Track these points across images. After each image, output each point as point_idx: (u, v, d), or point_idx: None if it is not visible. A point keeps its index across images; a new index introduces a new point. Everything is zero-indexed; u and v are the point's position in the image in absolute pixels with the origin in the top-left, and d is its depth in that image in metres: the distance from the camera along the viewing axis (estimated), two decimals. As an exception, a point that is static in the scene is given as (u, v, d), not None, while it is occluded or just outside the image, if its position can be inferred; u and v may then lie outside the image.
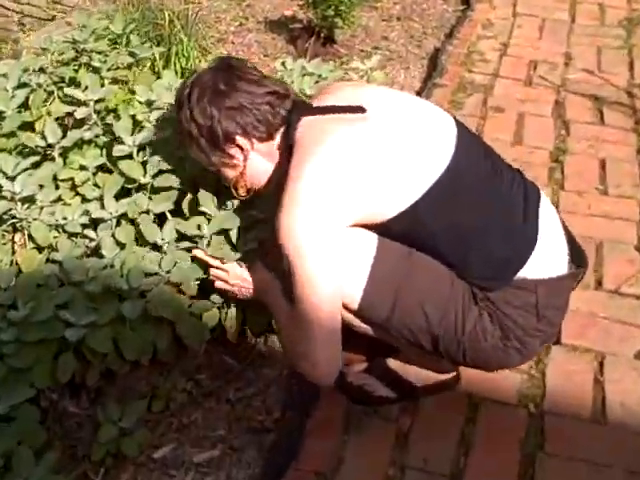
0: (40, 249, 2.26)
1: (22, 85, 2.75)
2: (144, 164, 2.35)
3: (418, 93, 3.57)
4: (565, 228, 1.85)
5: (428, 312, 1.70)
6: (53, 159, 2.47)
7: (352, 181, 1.64)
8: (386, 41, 4.08)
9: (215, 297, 2.18)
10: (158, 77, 3.16)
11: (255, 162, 1.88)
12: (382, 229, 1.71)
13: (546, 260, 1.71)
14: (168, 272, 2.13)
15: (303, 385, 2.15)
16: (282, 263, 1.70)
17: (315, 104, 1.83)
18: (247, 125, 1.80)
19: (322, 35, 3.93)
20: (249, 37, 4.27)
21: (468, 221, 1.69)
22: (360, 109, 1.71)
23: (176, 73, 3.49)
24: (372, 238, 1.72)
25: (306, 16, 4.17)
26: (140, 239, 2.24)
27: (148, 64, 3.28)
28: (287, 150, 1.77)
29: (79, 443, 2.09)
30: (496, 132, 3.19)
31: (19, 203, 2.24)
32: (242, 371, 2.31)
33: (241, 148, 1.84)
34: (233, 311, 2.21)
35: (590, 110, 3.34)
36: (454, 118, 1.83)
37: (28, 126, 2.67)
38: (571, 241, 1.84)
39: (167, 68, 3.47)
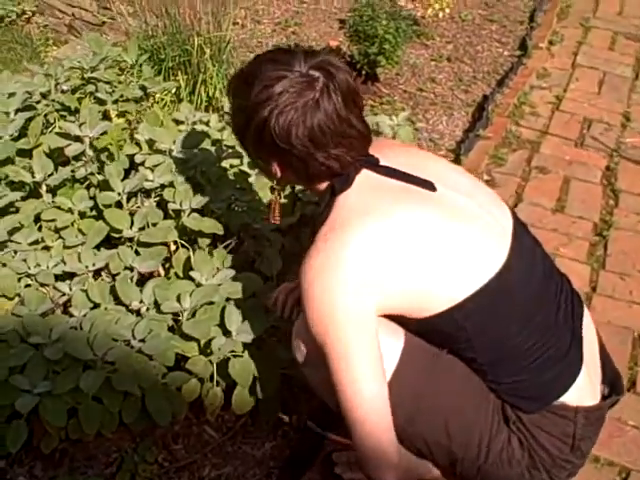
0: (8, 298, 2.07)
1: (25, 108, 2.60)
2: (133, 214, 2.15)
3: (459, 143, 3.30)
4: (602, 347, 1.66)
5: (451, 432, 1.54)
6: (40, 196, 2.29)
7: (403, 267, 1.42)
8: (432, 83, 3.82)
9: (195, 370, 1.95)
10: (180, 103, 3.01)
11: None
12: (416, 325, 1.51)
13: (587, 386, 1.56)
14: (142, 341, 1.91)
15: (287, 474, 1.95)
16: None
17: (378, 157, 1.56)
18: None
19: (364, 72, 3.69)
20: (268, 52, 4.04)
21: (512, 337, 1.49)
22: (430, 186, 1.48)
23: (201, 103, 3.33)
24: (400, 333, 1.53)
25: (350, 49, 3.94)
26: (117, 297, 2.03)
27: (170, 93, 3.11)
28: (335, 189, 1.51)
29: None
30: (537, 196, 2.90)
31: (-12, 248, 2.06)
32: (222, 445, 2.09)
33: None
34: (217, 390, 1.99)
35: (644, 180, 3.03)
36: (513, 213, 1.59)
37: (26, 153, 2.51)
38: (608, 362, 1.66)
39: (192, 97, 3.31)
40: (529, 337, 1.49)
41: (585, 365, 1.55)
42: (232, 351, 1.95)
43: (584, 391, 1.54)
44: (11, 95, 2.70)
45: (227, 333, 1.95)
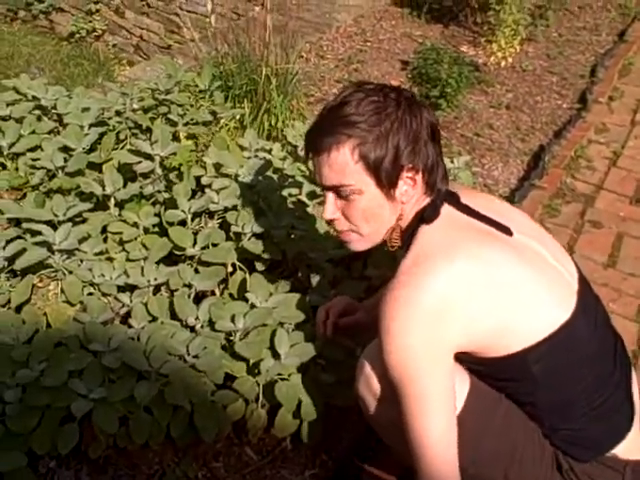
0: (72, 304, 2.14)
1: (98, 124, 2.71)
2: (196, 233, 2.22)
3: (513, 191, 3.33)
4: None
5: (510, 477, 1.55)
6: (108, 208, 2.37)
7: (484, 306, 1.43)
8: (490, 129, 3.86)
9: (242, 390, 2.00)
10: (244, 131, 3.10)
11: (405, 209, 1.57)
12: (483, 366, 1.52)
13: (635, 441, 1.57)
14: (195, 357, 1.97)
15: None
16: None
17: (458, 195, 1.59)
18: (428, 163, 1.52)
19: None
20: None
21: (573, 385, 1.51)
22: (507, 230, 1.51)
23: (263, 131, 3.41)
24: (466, 375, 1.55)
25: (410, 90, 4.00)
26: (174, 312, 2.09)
27: (234, 119, 3.20)
28: (417, 224, 1.53)
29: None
30: (590, 250, 2.90)
31: (57, 254, 2.14)
32: (260, 468, 2.11)
33: (413, 181, 1.52)
34: (261, 411, 2.02)
35: (698, 244, 3.01)
36: (578, 268, 1.61)
37: (96, 166, 2.61)
38: None
39: (254, 125, 3.39)
40: (589, 387, 1.51)
41: (636, 421, 1.57)
42: (279, 374, 1.99)
43: (634, 445, 1.56)
44: (85, 110, 2.82)
45: (276, 356, 2.00)
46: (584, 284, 1.58)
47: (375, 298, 2.03)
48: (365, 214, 1.52)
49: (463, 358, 1.50)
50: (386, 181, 1.47)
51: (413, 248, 1.46)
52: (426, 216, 1.49)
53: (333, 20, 5.12)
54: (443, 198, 1.52)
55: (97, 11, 6.86)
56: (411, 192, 1.51)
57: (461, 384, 1.53)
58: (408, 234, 1.53)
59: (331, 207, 1.55)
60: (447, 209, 1.51)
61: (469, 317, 1.41)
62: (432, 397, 1.42)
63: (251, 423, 2.03)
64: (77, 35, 6.77)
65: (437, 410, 1.42)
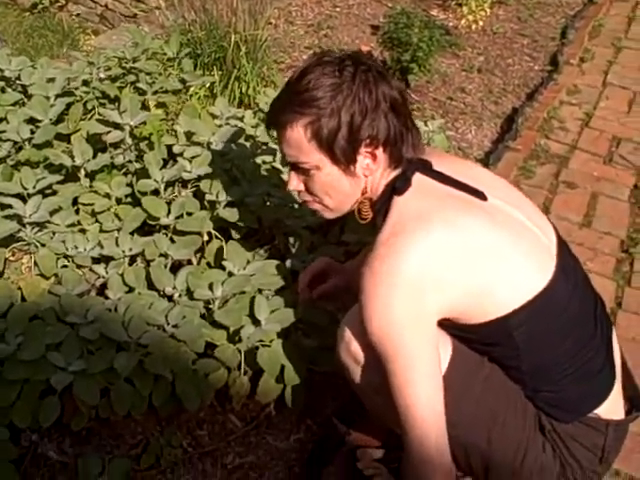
0: (46, 277, 2.11)
1: (65, 94, 2.65)
2: (170, 203, 2.18)
3: (487, 154, 3.33)
4: (624, 364, 1.68)
5: (492, 437, 1.55)
6: (78, 180, 2.33)
7: (463, 273, 1.44)
8: (462, 93, 3.84)
9: (223, 357, 1.98)
10: (214, 99, 3.05)
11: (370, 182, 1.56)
12: (465, 331, 1.53)
13: (617, 401, 1.60)
14: (175, 326, 1.94)
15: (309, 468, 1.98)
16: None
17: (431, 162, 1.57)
18: (390, 135, 1.49)
19: (396, 78, 3.71)
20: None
21: (555, 348, 1.52)
22: (482, 195, 1.50)
23: (234, 99, 3.37)
24: (448, 340, 1.55)
25: (382, 55, 3.97)
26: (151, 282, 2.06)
27: (204, 87, 3.15)
28: (389, 195, 1.52)
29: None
30: (565, 210, 2.92)
31: (28, 227, 2.09)
32: (245, 434, 2.11)
33: (373, 155, 1.51)
34: (244, 378, 2.01)
35: (672, 201, 3.04)
36: (556, 229, 1.61)
37: (64, 137, 2.56)
38: (629, 379, 1.67)
39: (225, 93, 3.34)
40: (570, 350, 1.52)
41: (616, 382, 1.58)
42: (260, 340, 1.98)
43: (614, 406, 1.57)
44: (50, 80, 2.75)
45: (256, 322, 1.98)
46: (563, 248, 1.57)
47: (355, 261, 2.03)
48: (325, 188, 1.53)
49: (445, 324, 1.50)
50: (342, 158, 1.47)
51: (389, 219, 1.46)
52: (397, 187, 1.49)
53: (301, -15, 5.03)
54: (415, 167, 1.50)
55: (59, -19, 6.69)
56: (373, 166, 1.50)
57: (443, 348, 1.52)
58: (382, 205, 1.52)
59: (294, 180, 1.57)
60: (420, 178, 1.50)
61: (449, 285, 1.42)
62: (417, 364, 1.42)
63: (234, 390, 2.02)
64: (40, 5, 6.58)
65: (423, 376, 1.43)
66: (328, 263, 2.01)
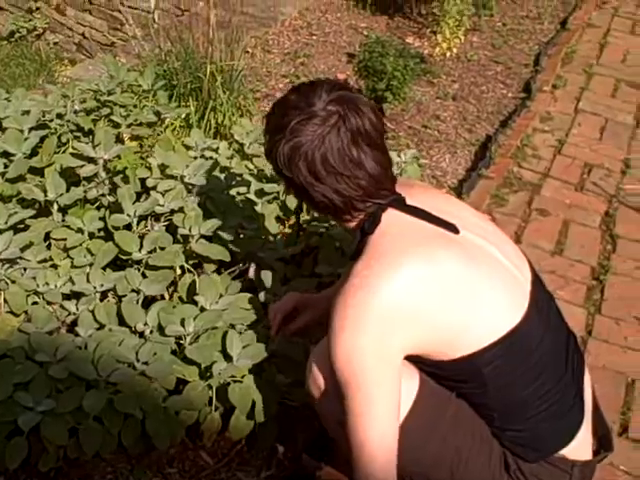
0: (16, 314, 2.10)
1: (39, 127, 2.65)
2: (143, 237, 2.19)
3: (461, 182, 3.35)
4: (595, 401, 1.69)
5: (456, 476, 1.57)
6: (51, 214, 2.33)
7: (434, 310, 1.44)
8: (437, 120, 3.88)
9: (194, 395, 1.97)
10: (190, 130, 3.07)
11: None
12: (433, 367, 1.53)
13: (584, 442, 1.60)
14: (145, 363, 1.94)
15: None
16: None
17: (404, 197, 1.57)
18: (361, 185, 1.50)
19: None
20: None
21: (524, 388, 1.52)
22: (453, 228, 1.51)
23: (210, 129, 3.38)
24: (415, 374, 1.56)
25: (357, 83, 4.01)
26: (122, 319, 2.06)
27: (180, 118, 3.16)
28: (363, 231, 1.53)
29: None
30: (537, 238, 2.94)
31: (-1, 263, 2.09)
32: (216, 471, 2.09)
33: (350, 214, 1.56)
34: (215, 415, 2.01)
35: (642, 227, 3.07)
36: (531, 265, 1.62)
37: (38, 171, 2.56)
38: (599, 416, 1.68)
39: (201, 123, 3.36)
40: (540, 389, 1.52)
41: (585, 421, 1.59)
42: (232, 376, 1.98)
43: (582, 446, 1.58)
44: (25, 113, 2.75)
45: (228, 358, 1.98)
46: (537, 284, 1.58)
47: (326, 292, 2.04)
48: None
49: (413, 359, 1.51)
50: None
51: (364, 255, 1.47)
52: (367, 229, 1.50)
53: (278, 14, 5.08)
54: (388, 203, 1.51)
55: (37, 9, 6.70)
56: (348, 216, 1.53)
57: (411, 383, 1.53)
58: (356, 240, 1.53)
59: None
60: (393, 213, 1.51)
61: (420, 322, 1.43)
62: (377, 401, 1.42)
63: (205, 427, 2.01)
64: (17, 34, 6.60)
65: (381, 413, 1.43)
66: (297, 299, 2.01)
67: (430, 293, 1.43)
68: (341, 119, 1.42)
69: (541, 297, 1.57)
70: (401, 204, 1.52)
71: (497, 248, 1.55)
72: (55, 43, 6.61)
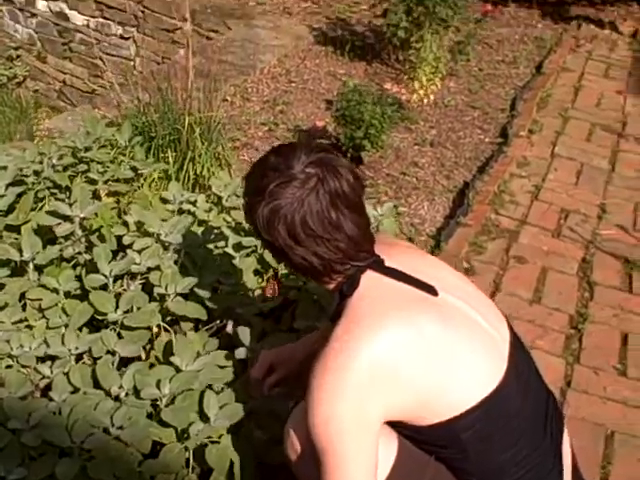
0: (-11, 379, 2.07)
1: (16, 183, 2.65)
2: (119, 296, 2.18)
3: (439, 230, 3.37)
4: (574, 459, 1.69)
5: None
6: (26, 273, 2.31)
7: (412, 375, 1.44)
8: (415, 167, 3.91)
9: (171, 457, 1.95)
10: (168, 182, 3.08)
11: None
12: (411, 431, 1.52)
13: None
14: (120, 428, 1.91)
15: None
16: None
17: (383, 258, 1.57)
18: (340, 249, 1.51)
19: (349, 155, 3.77)
20: (275, 145, 4.12)
21: (503, 452, 1.51)
22: (432, 290, 1.50)
23: (188, 180, 3.39)
24: (394, 439, 1.54)
25: (335, 131, 4.04)
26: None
27: (158, 170, 3.17)
28: (342, 293, 1.53)
29: None
30: (515, 286, 2.95)
31: (-28, 327, 2.07)
32: (193, 536, 2.06)
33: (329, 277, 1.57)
34: (192, 477, 1.98)
35: (619, 273, 3.08)
36: (510, 327, 1.62)
37: (14, 228, 2.55)
38: (579, 477, 1.70)
39: (180, 174, 3.37)
40: (518, 454, 1.51)
41: None
42: (209, 437, 1.95)
43: None
44: (2, 168, 2.75)
45: (205, 419, 1.96)
46: (516, 346, 1.58)
47: (301, 342, 2.05)
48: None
49: (392, 423, 1.50)
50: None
51: (343, 317, 1.47)
52: (345, 291, 1.50)
53: (257, 61, 5.13)
54: (366, 266, 1.51)
55: (18, 57, 6.76)
56: (327, 278, 1.54)
57: (389, 446, 1.52)
58: (334, 303, 1.54)
59: None
60: (372, 275, 1.51)
61: (398, 385, 1.42)
62: (354, 468, 1.41)
63: None
64: (-3, 82, 6.65)
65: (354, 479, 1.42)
66: (272, 357, 2.00)
67: (410, 357, 1.43)
68: (320, 182, 1.43)
69: (520, 359, 1.57)
70: (380, 266, 1.53)
71: (476, 310, 1.55)
72: (35, 90, 6.66)
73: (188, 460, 1.97)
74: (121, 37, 6.26)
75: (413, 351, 1.43)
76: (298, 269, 1.53)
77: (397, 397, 1.43)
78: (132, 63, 6.22)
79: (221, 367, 2.14)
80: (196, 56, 4.60)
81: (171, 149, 3.45)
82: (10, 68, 6.66)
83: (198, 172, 3.45)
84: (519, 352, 1.59)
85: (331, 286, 1.55)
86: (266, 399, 2.04)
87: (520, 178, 3.71)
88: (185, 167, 3.41)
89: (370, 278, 1.50)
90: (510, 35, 5.58)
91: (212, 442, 1.96)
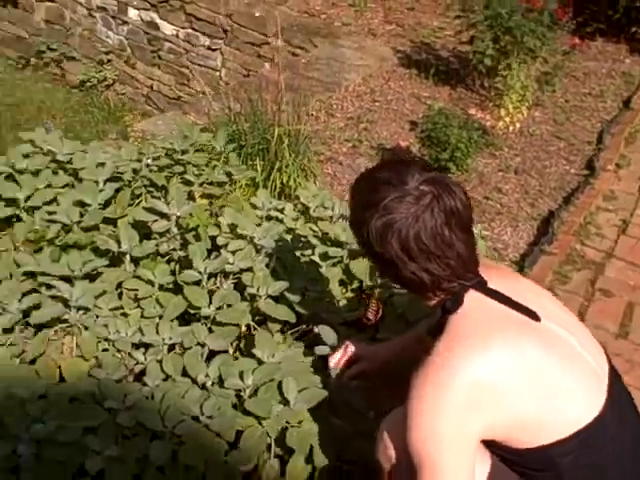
0: (86, 359, 2.14)
1: (113, 179, 2.73)
2: (212, 293, 2.23)
3: (523, 256, 3.35)
4: None
5: None
6: (123, 264, 2.38)
7: (514, 398, 1.43)
8: (499, 193, 3.90)
9: (253, 442, 1.98)
10: (256, 189, 3.13)
11: None
12: (507, 452, 1.51)
13: None
14: (209, 417, 1.96)
15: None
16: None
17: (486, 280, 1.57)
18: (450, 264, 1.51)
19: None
20: (358, 161, 4.18)
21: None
22: (535, 315, 1.50)
23: (275, 189, 3.45)
24: (487, 457, 1.55)
25: (420, 152, 4.06)
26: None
27: (246, 177, 3.23)
28: (445, 310, 1.54)
29: None
30: (601, 319, 2.91)
31: (73, 309, 2.14)
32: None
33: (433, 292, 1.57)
34: (273, 461, 2.00)
35: None
36: (608, 357, 1.60)
37: (111, 221, 2.63)
38: None
39: (267, 184, 3.43)
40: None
41: None
42: (288, 422, 1.99)
43: None
44: (100, 165, 2.85)
45: (285, 402, 2.01)
46: (614, 376, 1.56)
47: (382, 345, 2.08)
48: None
49: (487, 443, 1.49)
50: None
51: (445, 334, 1.48)
52: (449, 307, 1.50)
53: (342, 79, 5.19)
54: (470, 285, 1.51)
55: (108, 61, 6.97)
56: (431, 294, 1.54)
57: (481, 466, 1.52)
58: (436, 319, 1.54)
59: None
60: (476, 296, 1.51)
61: (500, 407, 1.42)
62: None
63: (263, 473, 2.01)
64: (88, 84, 6.86)
65: None
66: (358, 348, 2.03)
67: (512, 380, 1.42)
68: (435, 199, 1.44)
69: (618, 391, 1.55)
70: (483, 287, 1.53)
71: (577, 339, 1.53)
72: (123, 94, 6.84)
73: (269, 445, 2.00)
74: (208, 48, 6.40)
75: (516, 374, 1.42)
76: (405, 283, 1.54)
77: (497, 418, 1.42)
78: (218, 74, 6.35)
79: (301, 362, 2.17)
80: (284, 71, 4.69)
81: (259, 158, 3.52)
82: (100, 71, 6.87)
83: (284, 182, 3.51)
84: (617, 384, 1.57)
85: (433, 302, 1.56)
86: (342, 389, 2.06)
87: (607, 211, 3.66)
88: (272, 176, 3.48)
89: (473, 298, 1.51)
90: (597, 69, 5.52)
91: (292, 426, 1.99)
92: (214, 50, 6.39)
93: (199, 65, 6.46)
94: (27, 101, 6.64)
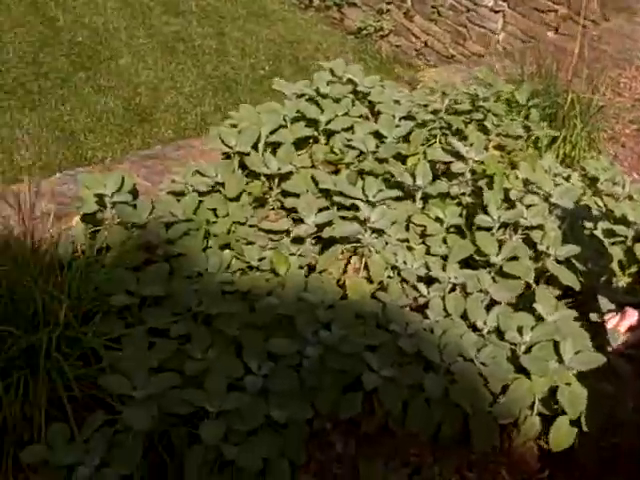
0: (370, 281, 2.22)
1: (408, 117, 2.78)
2: (501, 242, 2.22)
3: None
4: None
5: None
6: (413, 199, 2.43)
7: None
8: None
9: (518, 395, 1.97)
10: (539, 152, 3.06)
11: None
12: None
13: None
14: (483, 364, 1.97)
15: None
16: None
17: None
18: None
19: None
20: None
21: None
22: None
23: (557, 156, 3.34)
24: None
25: None
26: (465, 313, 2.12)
27: (531, 140, 3.16)
28: None
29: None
30: None
31: (369, 231, 2.22)
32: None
33: None
34: (535, 418, 1.99)
35: None
36: None
37: (400, 158, 2.68)
38: None
39: (549, 149, 3.32)
40: None
41: None
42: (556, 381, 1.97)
43: None
44: (396, 102, 2.91)
45: (560, 360, 1.98)
46: None
47: None
48: None
49: None
50: None
51: None
52: None
53: (635, 57, 4.89)
54: None
55: (387, 11, 7.06)
56: None
57: None
58: None
59: None
60: None
61: None
62: None
63: (523, 429, 2.01)
64: (364, 31, 7.02)
65: None
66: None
67: None
68: None
69: None
70: None
71: None
72: (397, 46, 6.93)
73: (534, 402, 1.99)
74: (491, 10, 6.28)
75: None
76: None
77: None
78: (496, 37, 6.24)
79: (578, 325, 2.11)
80: (574, 41, 4.49)
81: (547, 122, 3.42)
82: (378, 21, 7.00)
83: (567, 151, 3.38)
84: None
85: None
86: (616, 356, 1.98)
87: None
88: (557, 143, 3.37)
89: None
90: None
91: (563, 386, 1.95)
92: (497, 12, 6.26)
93: (477, 25, 6.37)
94: (305, 40, 6.94)
